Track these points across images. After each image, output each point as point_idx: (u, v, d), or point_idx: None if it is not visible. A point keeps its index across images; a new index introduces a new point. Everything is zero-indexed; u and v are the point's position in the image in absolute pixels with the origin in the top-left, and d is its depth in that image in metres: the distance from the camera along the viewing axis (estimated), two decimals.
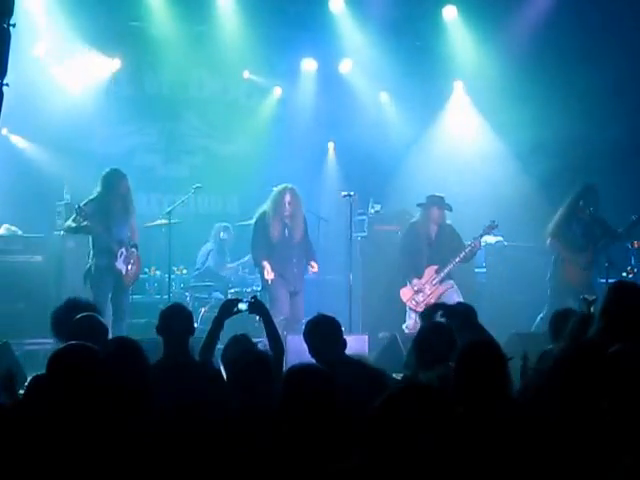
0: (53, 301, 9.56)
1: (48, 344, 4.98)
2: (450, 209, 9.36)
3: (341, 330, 5.14)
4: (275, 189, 9.18)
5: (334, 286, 10.97)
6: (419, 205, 9.46)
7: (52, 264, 9.93)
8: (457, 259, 9.17)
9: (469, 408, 3.67)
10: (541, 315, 9.04)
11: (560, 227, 9.22)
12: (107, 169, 8.76)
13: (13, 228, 10.28)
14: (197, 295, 10.65)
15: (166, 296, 9.78)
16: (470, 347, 3.98)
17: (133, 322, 9.13)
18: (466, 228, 9.51)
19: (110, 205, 8.60)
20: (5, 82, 5.09)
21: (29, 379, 4.22)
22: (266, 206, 9.13)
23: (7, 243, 9.95)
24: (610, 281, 8.50)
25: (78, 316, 5.02)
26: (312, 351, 5.03)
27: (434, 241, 9.34)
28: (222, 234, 11.17)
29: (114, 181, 8.64)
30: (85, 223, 8.47)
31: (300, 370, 3.74)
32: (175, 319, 5.14)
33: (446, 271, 9.20)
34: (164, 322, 5.17)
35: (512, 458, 3.47)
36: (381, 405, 2.94)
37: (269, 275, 8.96)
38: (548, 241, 9.31)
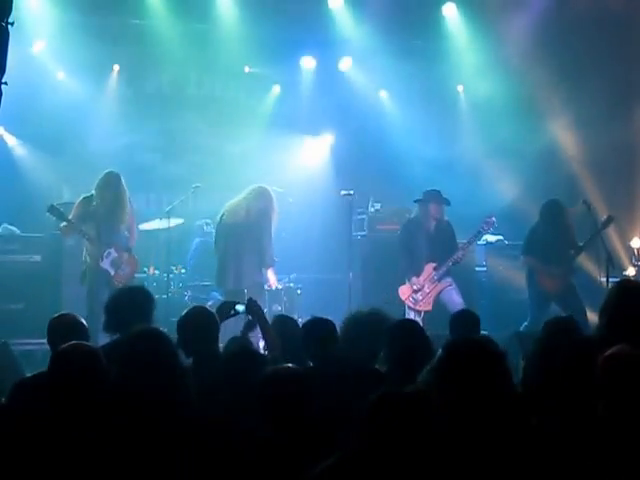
0: (51, 301, 9.61)
1: (46, 344, 4.94)
2: (448, 203, 9.34)
3: (336, 332, 5.14)
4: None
5: (334, 285, 10.94)
6: (416, 201, 9.46)
7: (51, 264, 9.90)
8: (455, 256, 9.16)
9: (459, 411, 3.61)
10: (525, 323, 9.01)
11: (531, 242, 9.16)
12: (105, 172, 8.79)
13: (12, 228, 10.26)
14: (196, 295, 10.60)
15: (165, 296, 9.75)
16: (458, 345, 3.86)
17: None
18: (464, 227, 9.49)
19: (99, 206, 8.63)
20: (4, 81, 5.07)
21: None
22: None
23: (6, 243, 9.94)
24: (611, 279, 8.51)
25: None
26: (308, 353, 5.02)
27: (433, 237, 9.32)
28: (205, 227, 11.15)
29: (104, 183, 8.68)
30: (63, 224, 8.56)
31: (272, 374, 3.82)
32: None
33: (444, 268, 9.18)
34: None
35: (511, 459, 3.44)
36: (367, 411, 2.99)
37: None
38: (521, 259, 9.29)
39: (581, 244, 8.96)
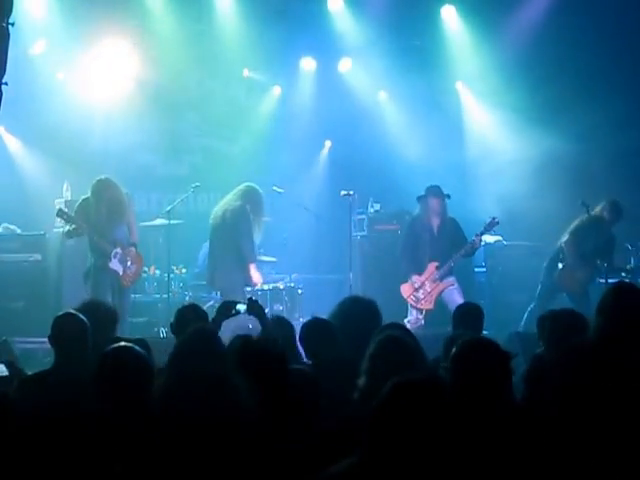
0: (52, 300, 9.64)
1: (47, 343, 4.96)
2: (448, 197, 9.37)
3: (336, 331, 5.15)
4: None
5: (334, 285, 10.97)
6: (418, 199, 9.47)
7: (51, 262, 9.92)
8: (457, 255, 9.17)
9: (468, 410, 3.62)
10: (529, 308, 9.12)
11: (578, 232, 9.22)
12: (95, 179, 8.79)
13: (12, 227, 10.27)
14: (197, 295, 10.62)
15: (165, 295, 9.77)
16: (468, 346, 3.88)
17: (133, 321, 9.16)
18: (464, 227, 9.50)
19: (98, 211, 8.64)
20: (4, 81, 5.09)
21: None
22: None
23: (6, 241, 9.95)
24: (610, 281, 8.55)
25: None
26: (308, 354, 5.03)
27: (436, 234, 9.32)
28: None
29: (99, 191, 8.69)
30: (72, 226, 8.58)
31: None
32: (189, 319, 5.15)
33: (446, 268, 9.19)
34: (179, 321, 5.19)
35: (512, 460, 3.45)
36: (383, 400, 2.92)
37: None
38: (565, 238, 9.29)
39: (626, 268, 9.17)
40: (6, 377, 4.99)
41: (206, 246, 11.23)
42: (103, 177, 8.81)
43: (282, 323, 5.57)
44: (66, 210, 8.83)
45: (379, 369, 3.98)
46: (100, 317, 5.13)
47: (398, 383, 2.88)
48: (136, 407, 3.62)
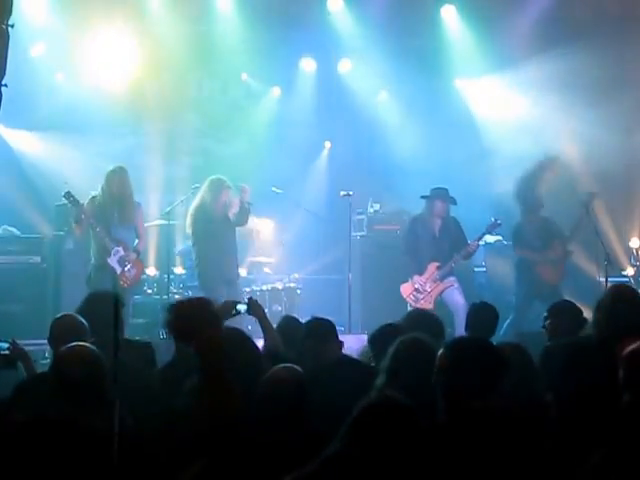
0: (51, 302, 9.64)
1: (45, 345, 4.97)
2: (454, 202, 9.35)
3: (336, 331, 5.16)
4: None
5: (333, 285, 10.97)
6: (423, 197, 9.44)
7: (50, 265, 9.92)
8: (458, 256, 9.17)
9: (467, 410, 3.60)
10: (508, 321, 9.08)
11: (514, 238, 9.50)
12: (110, 166, 8.80)
13: (11, 229, 10.26)
14: (197, 295, 10.60)
15: (165, 296, 9.76)
16: (462, 347, 3.77)
17: (133, 322, 9.12)
18: (465, 228, 9.50)
19: (109, 203, 8.63)
20: (4, 83, 5.09)
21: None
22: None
23: (5, 244, 9.94)
24: (610, 279, 8.57)
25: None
26: (308, 354, 5.02)
27: (437, 235, 9.33)
28: None
29: (112, 178, 8.68)
30: (77, 217, 8.53)
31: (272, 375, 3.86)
32: None
33: (447, 268, 9.19)
34: None
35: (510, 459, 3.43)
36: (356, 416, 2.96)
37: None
38: (517, 253, 9.51)
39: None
40: (7, 355, 4.95)
41: None
42: (120, 165, 8.81)
43: (293, 324, 5.57)
44: (73, 194, 8.72)
45: (400, 369, 3.99)
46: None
47: (373, 403, 2.95)
48: (92, 406, 3.61)
